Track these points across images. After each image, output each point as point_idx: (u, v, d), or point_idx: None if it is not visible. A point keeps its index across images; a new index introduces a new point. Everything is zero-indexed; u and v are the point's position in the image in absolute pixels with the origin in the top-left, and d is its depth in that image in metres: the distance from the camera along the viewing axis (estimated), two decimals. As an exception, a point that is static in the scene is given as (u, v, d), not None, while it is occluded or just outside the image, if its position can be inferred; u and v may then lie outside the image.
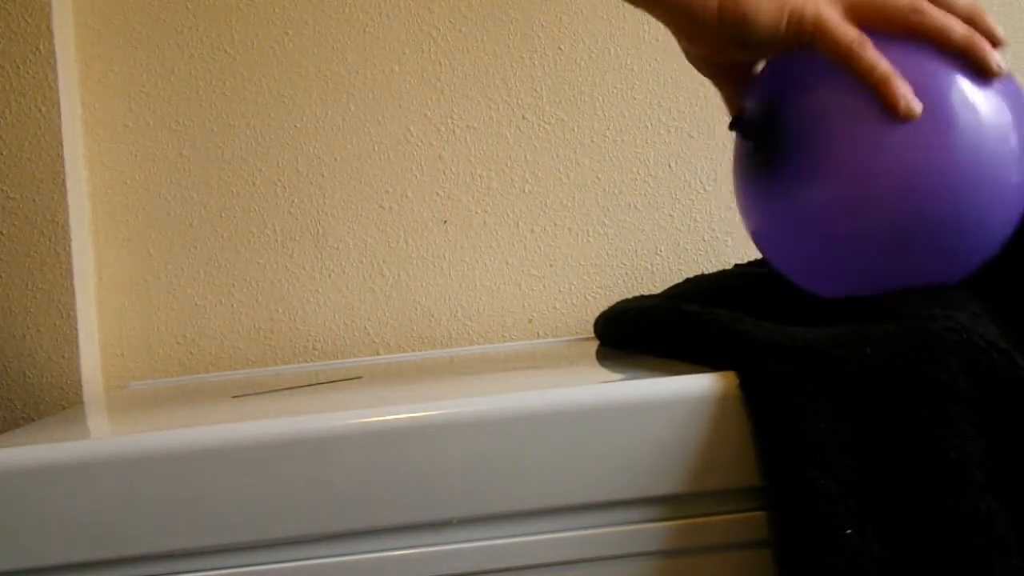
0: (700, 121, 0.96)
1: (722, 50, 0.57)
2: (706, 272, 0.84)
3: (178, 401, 0.66)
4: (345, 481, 0.46)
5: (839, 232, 0.56)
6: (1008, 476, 0.45)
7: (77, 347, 0.85)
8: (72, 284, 0.85)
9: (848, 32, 0.53)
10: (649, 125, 0.96)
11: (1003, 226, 0.57)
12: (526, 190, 0.94)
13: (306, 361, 0.92)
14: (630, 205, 0.95)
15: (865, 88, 0.53)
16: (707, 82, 0.96)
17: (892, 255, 0.56)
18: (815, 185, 0.56)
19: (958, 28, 0.55)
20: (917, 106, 0.53)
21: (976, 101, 0.54)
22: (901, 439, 0.45)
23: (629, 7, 0.95)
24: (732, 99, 0.63)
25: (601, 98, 0.95)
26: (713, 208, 0.96)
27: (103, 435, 0.56)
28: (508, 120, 0.94)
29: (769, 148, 0.58)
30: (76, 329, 0.85)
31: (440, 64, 0.94)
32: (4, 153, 0.85)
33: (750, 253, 0.94)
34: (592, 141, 0.95)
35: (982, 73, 0.55)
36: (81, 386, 0.85)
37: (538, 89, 0.95)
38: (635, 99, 0.95)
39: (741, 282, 0.68)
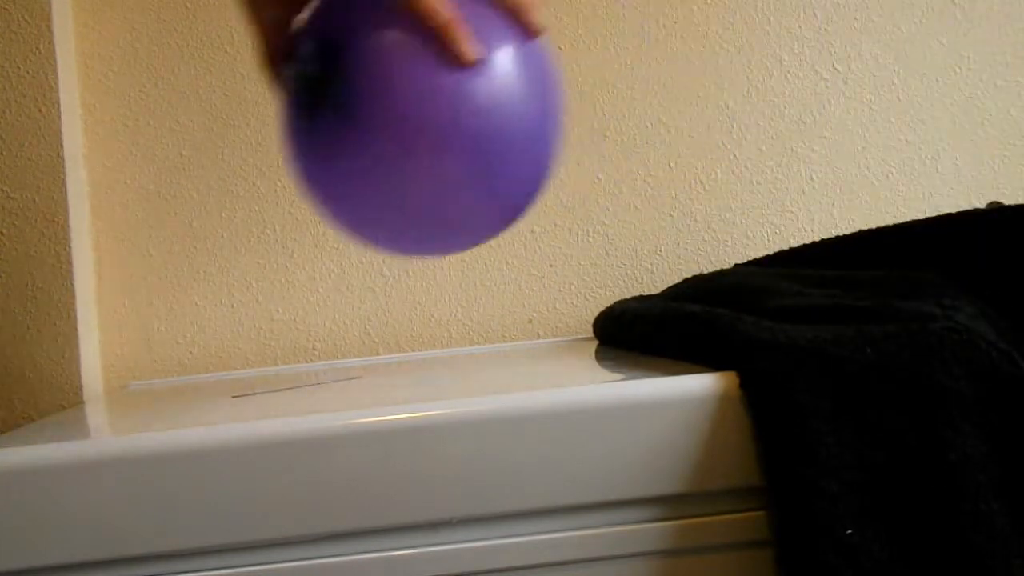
0: (700, 121, 0.96)
1: None
2: (706, 272, 0.84)
3: (178, 401, 0.66)
4: (345, 481, 0.46)
5: (394, 180, 0.55)
6: (1008, 476, 0.45)
7: (77, 347, 0.85)
8: (72, 284, 0.85)
9: None
10: (649, 125, 0.96)
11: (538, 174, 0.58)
12: (526, 190, 0.94)
13: (306, 361, 0.92)
14: (630, 205, 0.95)
15: (428, 32, 0.52)
16: (707, 82, 0.97)
17: (445, 200, 0.55)
18: (369, 130, 0.54)
19: None
20: (481, 52, 0.53)
21: (519, 56, 0.56)
22: (901, 439, 0.45)
23: (629, 7, 0.95)
24: (271, 26, 0.59)
25: (601, 98, 0.95)
26: (713, 208, 0.96)
27: (103, 435, 0.56)
28: (508, 120, 0.94)
29: (328, 87, 0.55)
30: (76, 329, 0.85)
31: (440, 64, 0.94)
32: (4, 153, 0.85)
33: (750, 253, 0.94)
34: (592, 141, 0.95)
35: (526, 30, 0.56)
36: (81, 386, 0.85)
37: (538, 89, 0.95)
38: (635, 99, 0.95)
39: (741, 282, 0.68)
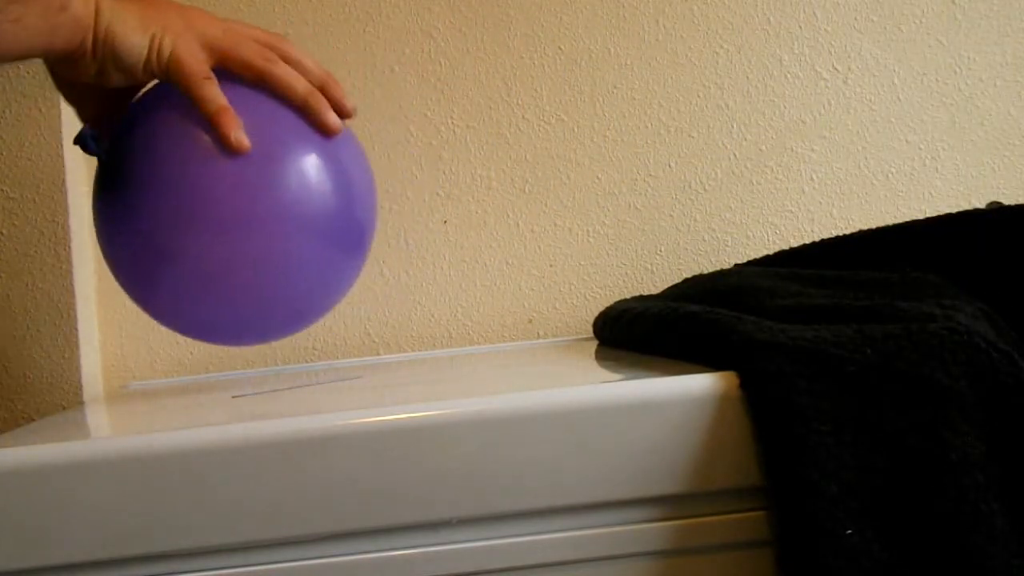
0: (700, 121, 0.96)
1: (102, 72, 0.56)
2: (706, 272, 0.84)
3: (178, 401, 0.66)
4: (345, 481, 0.46)
5: (163, 265, 0.58)
6: (1008, 477, 0.45)
7: (77, 347, 0.85)
8: (72, 284, 0.85)
9: (196, 66, 0.56)
10: (649, 125, 0.96)
11: (314, 284, 0.61)
12: (526, 190, 0.94)
13: (306, 361, 0.92)
14: (630, 205, 0.95)
15: (204, 121, 0.56)
16: (707, 82, 0.97)
17: (213, 294, 0.58)
18: (143, 211, 0.57)
19: (301, 85, 0.59)
20: (246, 141, 0.56)
21: (307, 153, 0.59)
22: (902, 439, 0.45)
23: (629, 7, 0.95)
24: (87, 118, 0.63)
25: (601, 98, 0.95)
26: (713, 208, 0.96)
27: (103, 435, 0.56)
28: (508, 120, 0.94)
29: (114, 169, 0.59)
30: (76, 329, 0.85)
31: (440, 64, 0.94)
32: (4, 153, 0.85)
33: (750, 253, 0.94)
34: (592, 141, 0.95)
35: (322, 128, 0.60)
36: (81, 386, 0.85)
37: (538, 89, 0.95)
38: (635, 99, 0.95)
39: (740, 281, 0.68)
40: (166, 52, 0.56)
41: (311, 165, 0.59)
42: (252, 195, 0.57)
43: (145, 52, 0.56)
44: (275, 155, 0.58)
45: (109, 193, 0.60)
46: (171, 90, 0.57)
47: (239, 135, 0.56)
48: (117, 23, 0.55)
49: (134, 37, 0.55)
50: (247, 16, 0.92)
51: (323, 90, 0.60)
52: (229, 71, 0.58)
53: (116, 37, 0.55)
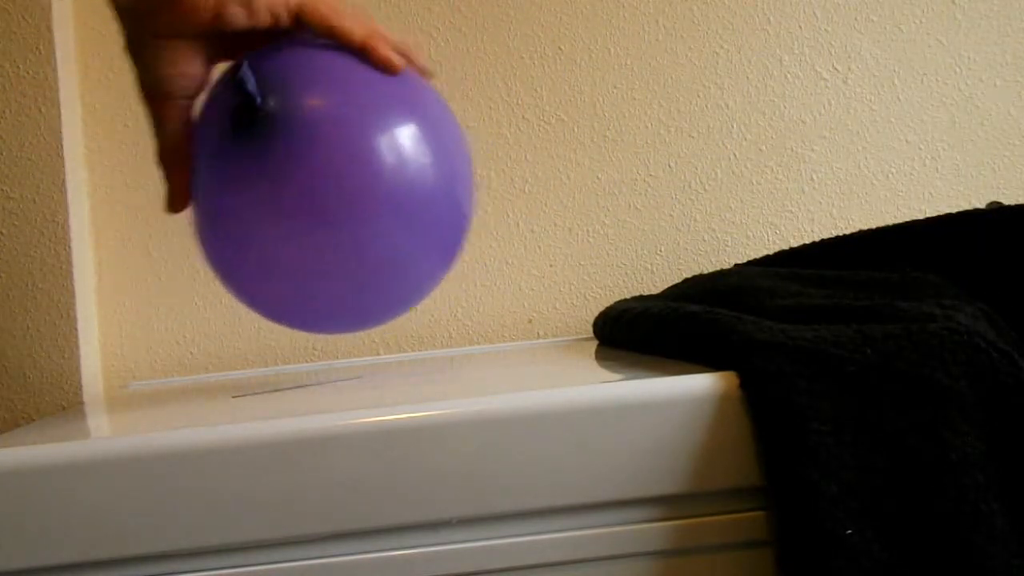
0: (700, 121, 0.96)
1: (218, 10, 0.51)
2: (706, 272, 0.84)
3: (178, 401, 0.66)
4: (345, 481, 0.46)
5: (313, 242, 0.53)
6: (1008, 477, 0.45)
7: (77, 347, 0.85)
8: (72, 284, 0.85)
9: (327, 3, 0.54)
10: (649, 125, 0.96)
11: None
12: (526, 190, 0.94)
13: (306, 361, 0.92)
14: (630, 205, 0.95)
15: (354, 52, 0.54)
16: (707, 82, 0.97)
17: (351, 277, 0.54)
18: (303, 162, 0.52)
19: (359, 28, 0.55)
20: (402, 61, 0.55)
21: (423, 112, 0.57)
22: (901, 439, 0.45)
23: (629, 7, 0.95)
24: (177, 115, 0.55)
25: (601, 98, 0.95)
26: (713, 208, 0.96)
27: (103, 435, 0.56)
28: (508, 120, 0.94)
29: (264, 112, 0.53)
30: (76, 329, 0.85)
31: (440, 64, 0.94)
32: (4, 153, 0.85)
33: (750, 253, 0.94)
34: (592, 141, 0.95)
35: (384, 67, 0.56)
36: (81, 386, 0.85)
37: (538, 89, 0.95)
38: (635, 99, 0.95)
39: (740, 281, 0.68)
40: None
41: (422, 133, 0.56)
42: (384, 172, 0.53)
43: None
44: (396, 128, 0.54)
45: (256, 145, 0.53)
46: (303, 44, 0.54)
47: (393, 54, 0.54)
48: None
49: None
50: (247, 16, 0.92)
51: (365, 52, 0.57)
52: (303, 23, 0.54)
53: None
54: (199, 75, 0.54)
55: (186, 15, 0.50)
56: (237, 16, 0.51)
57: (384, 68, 0.54)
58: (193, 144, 0.54)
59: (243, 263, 0.55)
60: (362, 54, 0.55)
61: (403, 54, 0.57)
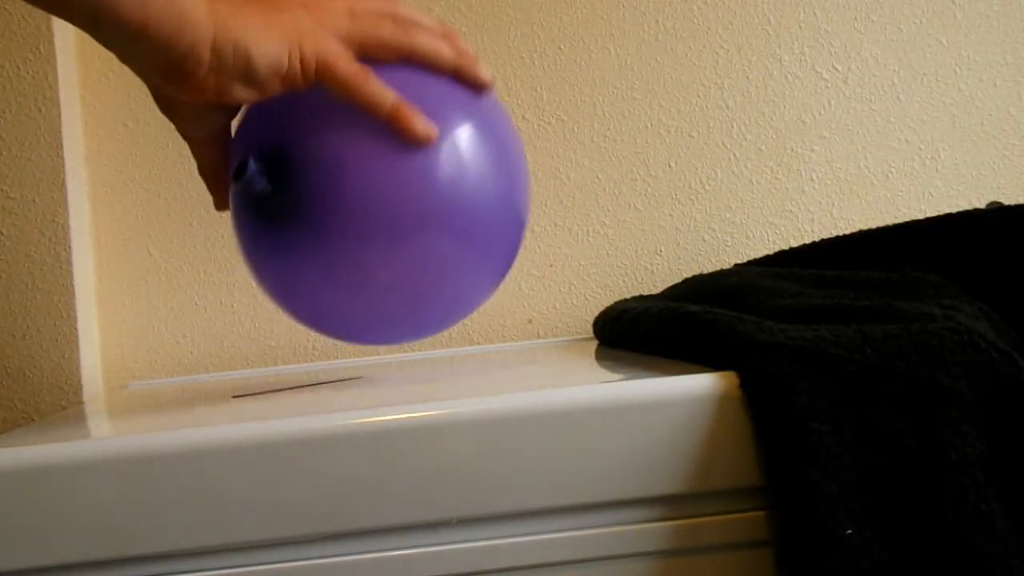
0: (700, 121, 0.96)
1: (221, 90, 0.48)
2: (706, 272, 0.84)
3: (178, 401, 0.66)
4: (345, 481, 0.46)
5: (367, 275, 0.53)
6: (1008, 477, 0.45)
7: (77, 347, 0.85)
8: (72, 284, 0.85)
9: (349, 65, 0.50)
10: (649, 125, 0.96)
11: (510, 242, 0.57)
12: (526, 190, 0.94)
13: (306, 361, 0.92)
14: (630, 205, 0.95)
15: (376, 121, 0.50)
16: (707, 82, 0.97)
17: (422, 288, 0.54)
18: (338, 232, 0.52)
19: (446, 50, 0.53)
20: (434, 130, 0.51)
21: (473, 116, 0.54)
22: (902, 439, 0.45)
23: (629, 7, 0.95)
24: (212, 152, 0.56)
25: (601, 98, 0.95)
26: (713, 208, 0.96)
27: (103, 435, 0.56)
28: (508, 120, 0.94)
29: (280, 198, 0.52)
30: (76, 329, 0.85)
31: (440, 64, 0.94)
32: (4, 153, 0.85)
33: (750, 253, 0.94)
34: (592, 141, 0.95)
35: (476, 88, 0.55)
36: (81, 386, 0.85)
37: (538, 89, 0.95)
38: (635, 99, 0.95)
39: (740, 281, 0.68)
40: (311, 58, 0.49)
41: (479, 141, 0.54)
42: (439, 187, 0.52)
43: (285, 61, 0.48)
44: (451, 138, 0.53)
45: (280, 226, 0.53)
46: (311, 99, 0.51)
47: (425, 125, 0.50)
48: (247, 32, 0.47)
49: (270, 45, 0.48)
50: (247, 16, 0.92)
51: (458, 74, 0.55)
52: (370, 58, 0.51)
53: (249, 47, 0.47)
54: (221, 123, 0.54)
55: (190, 95, 0.49)
56: (243, 95, 0.50)
57: (413, 144, 0.51)
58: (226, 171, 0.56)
59: (296, 304, 0.57)
60: (455, 76, 0.53)
61: (459, 71, 0.54)
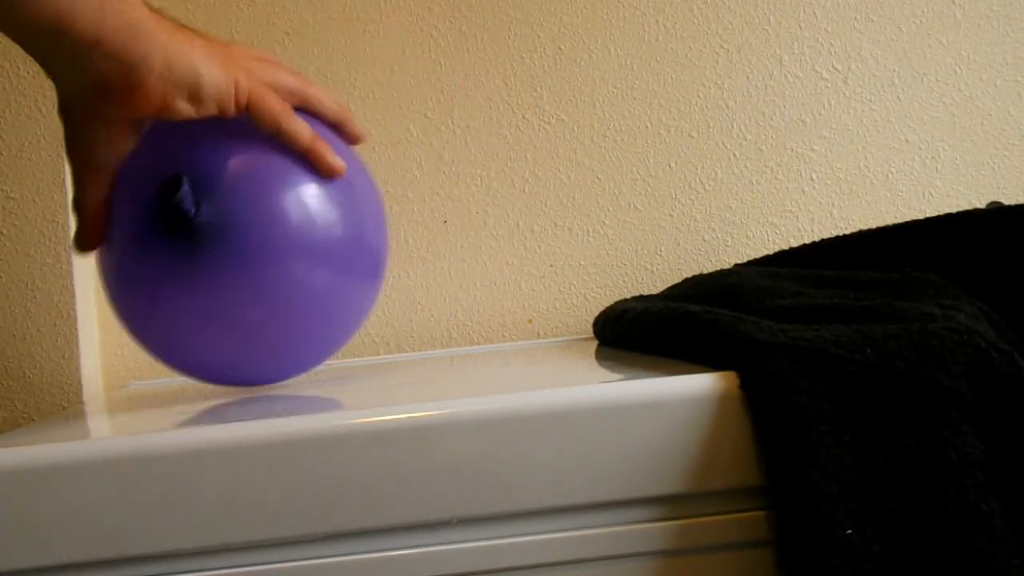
0: (700, 121, 0.96)
1: (166, 102, 0.51)
2: (706, 272, 0.84)
3: (178, 401, 0.66)
4: (345, 481, 0.46)
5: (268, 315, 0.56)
6: (1008, 477, 0.45)
7: (77, 347, 0.85)
8: (72, 284, 0.85)
9: (277, 102, 0.56)
10: (649, 125, 0.96)
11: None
12: (526, 190, 0.94)
13: (306, 361, 0.92)
14: (630, 205, 0.95)
15: (295, 153, 0.56)
16: (707, 82, 0.97)
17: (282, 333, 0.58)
18: (257, 256, 0.55)
19: (331, 101, 0.61)
20: (343, 164, 0.57)
21: (356, 165, 0.61)
22: (902, 440, 0.45)
23: (629, 7, 0.95)
24: (104, 183, 0.56)
25: (601, 98, 0.95)
26: (713, 208, 0.96)
27: (103, 435, 0.56)
28: (508, 120, 0.94)
29: (203, 222, 0.54)
30: (76, 329, 0.85)
31: (440, 64, 0.94)
32: (4, 153, 0.85)
33: (750, 253, 0.94)
34: (592, 141, 0.95)
35: (352, 138, 0.63)
36: (81, 386, 0.85)
37: (538, 89, 0.95)
38: (635, 99, 0.95)
39: (740, 281, 0.68)
40: (245, 90, 0.54)
41: (358, 184, 0.61)
42: (335, 225, 0.58)
43: (228, 87, 0.53)
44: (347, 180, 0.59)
45: (198, 251, 0.54)
46: (236, 126, 0.55)
47: (336, 159, 0.57)
48: (195, 53, 0.52)
49: (215, 69, 0.52)
50: (247, 16, 0.92)
51: (340, 125, 0.61)
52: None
53: (198, 67, 0.51)
54: (128, 149, 0.56)
55: (135, 106, 0.51)
56: (184, 110, 0.53)
57: (327, 175, 0.57)
58: (112, 206, 0.57)
59: (159, 337, 0.59)
60: (305, 159, 0.58)
61: (338, 122, 0.61)
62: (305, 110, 0.59)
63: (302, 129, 0.56)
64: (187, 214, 0.53)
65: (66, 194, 0.85)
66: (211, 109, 0.53)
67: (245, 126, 0.56)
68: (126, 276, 0.57)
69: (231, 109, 0.54)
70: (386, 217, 0.65)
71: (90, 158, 0.55)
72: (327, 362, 0.90)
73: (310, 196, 0.56)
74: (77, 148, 0.55)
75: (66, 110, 0.53)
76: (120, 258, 0.57)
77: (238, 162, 0.56)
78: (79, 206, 0.57)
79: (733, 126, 0.96)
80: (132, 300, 0.58)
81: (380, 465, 0.46)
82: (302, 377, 0.76)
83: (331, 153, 0.57)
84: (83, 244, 0.58)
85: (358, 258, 0.60)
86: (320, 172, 0.56)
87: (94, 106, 0.52)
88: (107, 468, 0.45)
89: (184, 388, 0.77)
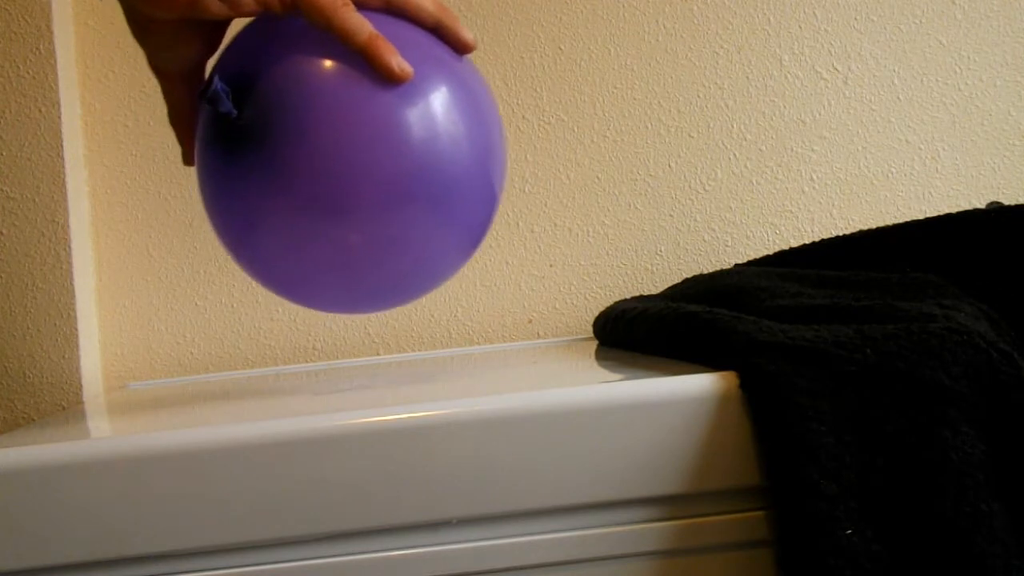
0: (700, 121, 0.96)
1: (192, 2, 0.49)
2: (706, 272, 0.84)
3: (178, 401, 0.66)
4: (345, 481, 0.46)
5: (323, 218, 0.50)
6: (1008, 477, 0.45)
7: (77, 347, 0.85)
8: (72, 284, 0.85)
9: None
10: (649, 125, 0.96)
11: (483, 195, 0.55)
12: (526, 190, 0.94)
13: (306, 361, 0.92)
14: (630, 205, 0.95)
15: (351, 54, 0.50)
16: (707, 82, 0.97)
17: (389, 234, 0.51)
18: (301, 166, 0.50)
19: (429, 2, 0.54)
20: (409, 68, 0.50)
21: (453, 74, 0.53)
22: (902, 440, 0.45)
23: (629, 7, 0.95)
24: (184, 91, 0.55)
25: (601, 98, 0.95)
26: (713, 208, 0.96)
27: (103, 435, 0.56)
28: (508, 120, 0.94)
29: (246, 125, 0.51)
30: (76, 329, 0.85)
31: (440, 64, 0.94)
32: (4, 153, 0.85)
33: (750, 253, 0.94)
34: (592, 141, 0.95)
35: (458, 46, 0.55)
36: (81, 386, 0.85)
37: (538, 89, 0.95)
38: (635, 99, 0.95)
39: (740, 281, 0.68)
40: None
41: (456, 102, 0.52)
42: (412, 139, 0.50)
43: None
44: (429, 93, 0.51)
45: (246, 156, 0.50)
46: (288, 26, 0.51)
47: (400, 61, 0.49)
48: None
49: None
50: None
51: (441, 30, 0.55)
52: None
53: None
54: (195, 54, 0.54)
55: (162, 4, 0.50)
56: (215, 9, 0.50)
57: (387, 78, 0.50)
58: (196, 114, 0.55)
59: (252, 248, 0.54)
60: (436, 31, 0.53)
61: (437, 26, 0.54)
62: (397, 13, 0.53)
63: (358, 26, 0.49)
64: (228, 115, 0.50)
65: (66, 194, 0.85)
66: (249, 6, 0.50)
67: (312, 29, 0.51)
68: (204, 188, 0.55)
69: (274, 5, 0.50)
70: (504, 144, 0.58)
71: (159, 66, 0.54)
72: (329, 363, 0.90)
73: (375, 104, 0.50)
74: (149, 59, 0.54)
75: (130, 24, 0.53)
76: (200, 171, 0.55)
77: (286, 63, 0.50)
78: (170, 119, 0.56)
79: (733, 126, 0.96)
80: (214, 212, 0.55)
81: (380, 465, 0.46)
82: (302, 377, 0.76)
83: (392, 53, 0.49)
84: (185, 157, 0.57)
85: (439, 188, 0.52)
86: (380, 74, 0.50)
87: (140, 10, 0.51)
88: (107, 468, 0.45)
89: (184, 388, 0.77)
